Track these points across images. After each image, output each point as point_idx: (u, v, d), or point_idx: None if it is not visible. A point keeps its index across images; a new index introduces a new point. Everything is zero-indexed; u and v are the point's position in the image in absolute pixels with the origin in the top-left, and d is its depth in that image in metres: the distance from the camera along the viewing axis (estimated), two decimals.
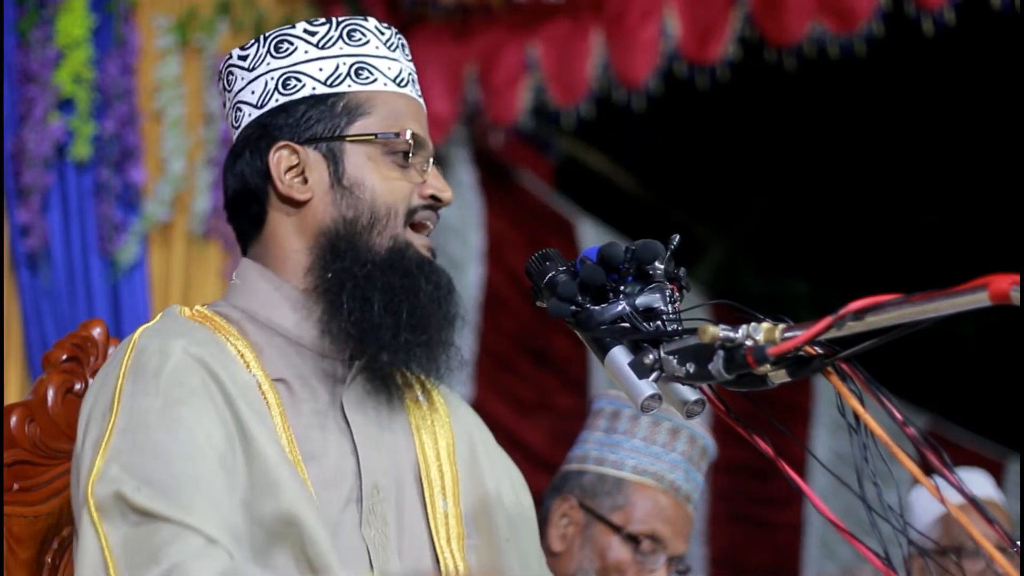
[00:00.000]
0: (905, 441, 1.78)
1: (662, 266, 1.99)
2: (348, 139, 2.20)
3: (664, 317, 1.96)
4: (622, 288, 1.99)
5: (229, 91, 2.28)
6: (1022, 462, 7.78)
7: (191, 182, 5.21)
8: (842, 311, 1.74)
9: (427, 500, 2.22)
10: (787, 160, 8.50)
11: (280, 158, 2.21)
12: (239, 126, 2.26)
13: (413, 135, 2.21)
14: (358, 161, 2.20)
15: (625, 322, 1.96)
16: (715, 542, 7.10)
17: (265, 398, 2.12)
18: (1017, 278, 1.58)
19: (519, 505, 2.33)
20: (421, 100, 2.28)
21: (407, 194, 2.20)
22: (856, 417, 1.79)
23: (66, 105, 4.91)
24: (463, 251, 5.97)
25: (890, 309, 1.71)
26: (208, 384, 2.07)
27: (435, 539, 2.20)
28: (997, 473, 7.27)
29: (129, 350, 2.11)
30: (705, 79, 5.38)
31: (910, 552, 1.83)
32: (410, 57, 2.30)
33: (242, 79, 2.25)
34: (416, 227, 2.22)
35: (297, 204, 2.20)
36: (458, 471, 2.28)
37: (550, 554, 3.11)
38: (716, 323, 1.85)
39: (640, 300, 1.97)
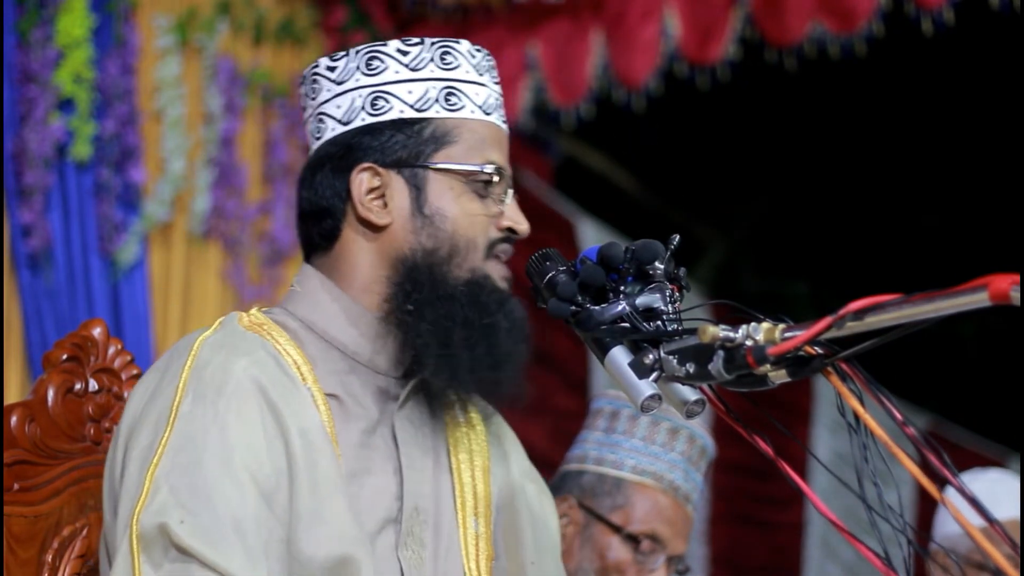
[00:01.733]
0: (905, 441, 1.78)
1: (662, 266, 1.99)
2: (432, 167, 2.17)
3: (664, 317, 1.96)
4: (622, 288, 1.98)
5: (312, 99, 2.24)
6: (1022, 462, 7.78)
7: (191, 182, 5.21)
8: (842, 311, 1.74)
9: (460, 521, 2.21)
10: (787, 160, 8.50)
11: (363, 180, 2.18)
12: (320, 138, 2.22)
13: (496, 168, 2.19)
14: (440, 190, 2.17)
15: (625, 322, 1.96)
16: (716, 542, 7.11)
17: (319, 412, 2.11)
18: (1017, 278, 1.58)
19: (546, 527, 2.33)
20: (505, 126, 2.25)
21: (485, 226, 2.18)
22: (856, 417, 1.79)
23: (66, 105, 4.91)
24: None
25: (890, 309, 1.71)
26: (264, 414, 2.05)
27: (465, 561, 2.20)
28: None
29: (190, 361, 2.08)
30: (705, 79, 5.38)
31: (910, 552, 1.83)
32: (497, 80, 2.27)
33: (328, 91, 2.22)
34: (494, 258, 2.20)
35: (375, 228, 2.18)
36: (491, 491, 2.27)
37: None
38: (716, 323, 1.85)
39: (640, 300, 1.97)
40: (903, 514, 1.82)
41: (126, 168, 5.01)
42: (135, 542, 1.97)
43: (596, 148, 7.78)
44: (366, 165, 2.18)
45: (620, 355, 1.96)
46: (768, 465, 1.87)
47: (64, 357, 2.28)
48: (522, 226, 2.21)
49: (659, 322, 1.95)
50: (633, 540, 3.07)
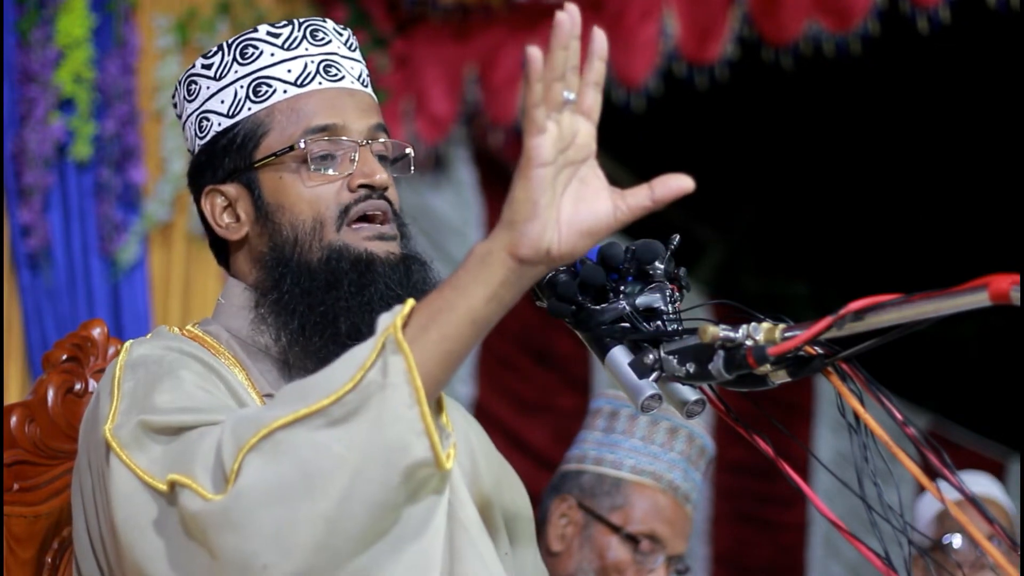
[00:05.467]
0: (906, 441, 1.78)
1: (662, 266, 1.98)
2: (256, 166, 2.17)
3: (664, 317, 1.96)
4: (622, 288, 1.98)
5: (186, 139, 2.29)
6: (1022, 462, 7.78)
7: None
8: (842, 311, 1.74)
9: None
10: (786, 159, 8.50)
11: (211, 203, 2.21)
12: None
13: (321, 129, 2.15)
14: (272, 184, 2.17)
15: (625, 322, 1.96)
16: (718, 542, 7.11)
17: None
18: (1017, 278, 1.58)
19: (518, 516, 2.31)
20: (342, 84, 2.20)
21: (333, 195, 2.14)
22: (856, 417, 1.79)
23: (66, 105, 4.92)
24: (463, 251, 5.96)
25: (890, 309, 1.71)
26: (208, 372, 2.06)
27: None
28: (998, 473, 7.27)
29: (123, 355, 2.09)
30: (704, 79, 5.38)
31: (911, 552, 1.83)
32: (325, 40, 2.22)
33: (181, 121, 2.29)
34: (360, 221, 2.16)
35: (238, 243, 2.20)
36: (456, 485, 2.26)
37: (549, 554, 3.11)
38: (716, 323, 1.85)
39: (640, 300, 1.96)
40: (903, 514, 1.82)
41: (126, 168, 5.01)
42: (120, 451, 1.93)
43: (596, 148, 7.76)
44: (208, 188, 2.21)
45: (620, 355, 1.95)
46: (771, 465, 1.87)
47: (64, 357, 2.28)
48: (375, 177, 2.15)
49: (659, 322, 1.95)
50: (632, 540, 3.07)
